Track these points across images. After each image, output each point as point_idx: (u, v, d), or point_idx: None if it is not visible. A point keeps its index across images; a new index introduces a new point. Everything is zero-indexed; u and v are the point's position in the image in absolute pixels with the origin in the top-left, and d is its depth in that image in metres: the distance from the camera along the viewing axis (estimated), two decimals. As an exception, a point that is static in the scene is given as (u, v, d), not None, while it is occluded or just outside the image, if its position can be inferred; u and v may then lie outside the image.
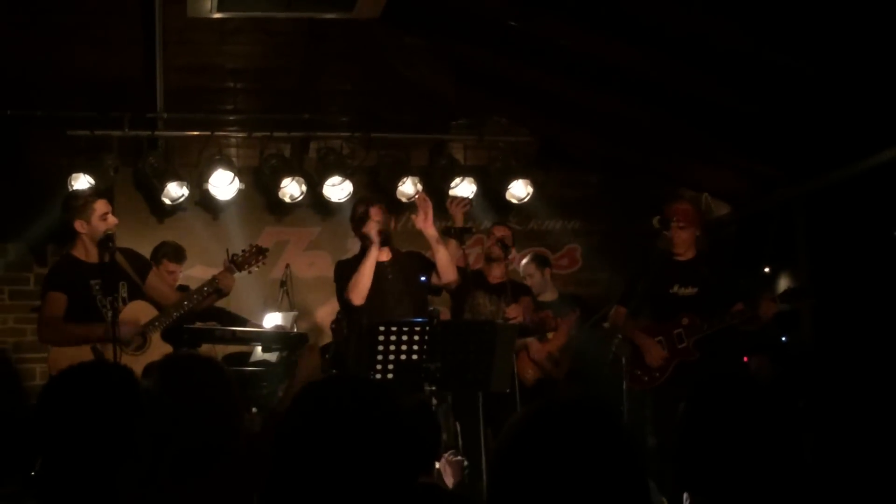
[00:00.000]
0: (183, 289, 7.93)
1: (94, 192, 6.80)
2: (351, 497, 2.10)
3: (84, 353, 6.52)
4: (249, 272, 7.05)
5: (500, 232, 7.78)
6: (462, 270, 7.16)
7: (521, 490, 1.91)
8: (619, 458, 1.93)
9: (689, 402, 2.48)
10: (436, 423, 4.37)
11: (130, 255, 6.91)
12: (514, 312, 7.11)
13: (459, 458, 5.07)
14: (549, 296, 8.26)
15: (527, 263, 8.36)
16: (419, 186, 8.84)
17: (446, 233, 7.13)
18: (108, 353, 6.34)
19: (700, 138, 8.23)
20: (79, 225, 6.53)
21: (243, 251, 6.95)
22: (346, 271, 6.73)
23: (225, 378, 3.32)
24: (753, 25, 6.16)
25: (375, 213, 6.76)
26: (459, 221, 7.22)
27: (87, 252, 6.56)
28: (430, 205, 6.82)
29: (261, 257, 6.98)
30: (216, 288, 6.81)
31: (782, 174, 8.20)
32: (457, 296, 7.35)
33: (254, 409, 7.46)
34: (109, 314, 6.26)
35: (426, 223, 6.78)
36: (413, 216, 6.90)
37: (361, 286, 6.55)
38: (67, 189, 8.20)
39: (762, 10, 6.05)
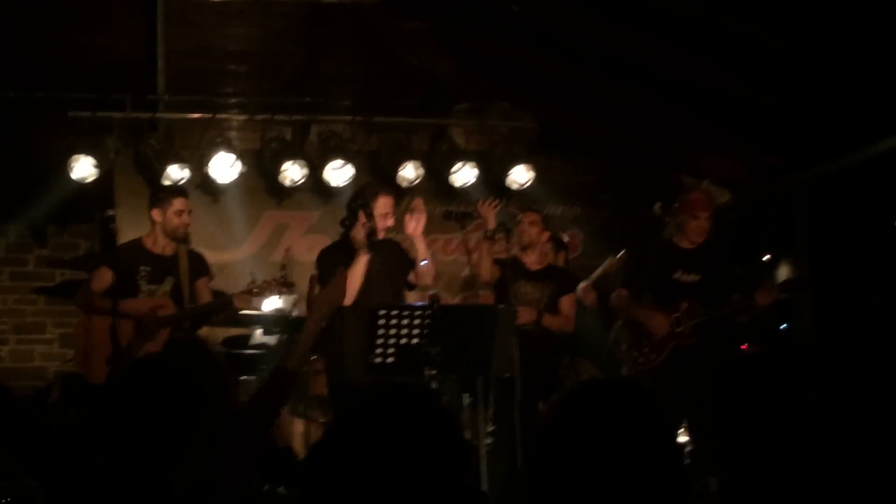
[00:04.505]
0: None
1: (178, 190, 7.33)
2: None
3: (102, 340, 6.68)
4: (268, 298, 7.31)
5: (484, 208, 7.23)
6: (501, 262, 7.08)
7: (562, 468, 1.92)
8: (660, 435, 1.94)
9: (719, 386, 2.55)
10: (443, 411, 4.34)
11: (195, 257, 7.16)
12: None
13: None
14: None
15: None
16: (420, 171, 8.83)
17: (447, 216, 7.10)
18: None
19: (702, 125, 8.23)
20: (155, 214, 7.01)
21: (265, 282, 7.12)
22: (328, 262, 6.46)
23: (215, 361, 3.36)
24: (756, 11, 6.15)
25: (383, 206, 6.47)
26: (492, 223, 7.06)
27: (154, 241, 7.03)
28: (424, 214, 6.59)
29: (284, 289, 7.19)
30: (229, 307, 7.13)
31: (784, 162, 8.19)
32: (498, 287, 7.20)
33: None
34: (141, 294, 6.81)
35: (417, 230, 6.55)
36: (407, 216, 6.72)
37: (351, 291, 6.27)
38: (68, 171, 8.21)
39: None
